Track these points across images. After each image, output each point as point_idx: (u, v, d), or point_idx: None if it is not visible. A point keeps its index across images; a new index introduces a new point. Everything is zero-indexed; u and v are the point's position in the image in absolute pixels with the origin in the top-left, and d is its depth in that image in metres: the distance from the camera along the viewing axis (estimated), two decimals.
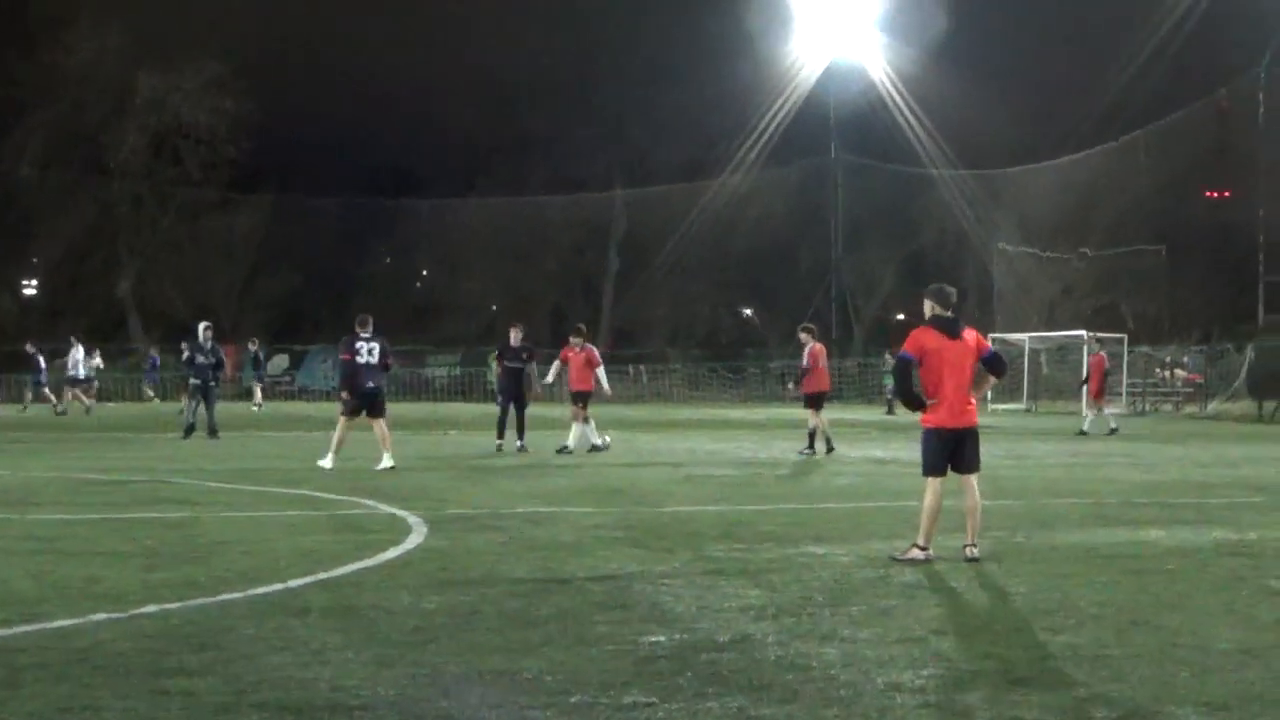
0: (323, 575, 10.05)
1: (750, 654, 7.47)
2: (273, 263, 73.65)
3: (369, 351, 20.73)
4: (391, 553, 11.24)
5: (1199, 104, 61.77)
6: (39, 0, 65.14)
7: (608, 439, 25.63)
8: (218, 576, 9.95)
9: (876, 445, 27.83)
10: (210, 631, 7.94)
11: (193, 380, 29.44)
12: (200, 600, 8.99)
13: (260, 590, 9.39)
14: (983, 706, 6.45)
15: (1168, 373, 54.13)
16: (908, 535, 12.48)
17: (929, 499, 11.12)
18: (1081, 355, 51.18)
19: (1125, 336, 54.77)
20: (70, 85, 65.11)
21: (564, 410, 27.93)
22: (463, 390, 60.62)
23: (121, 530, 12.76)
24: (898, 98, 67.43)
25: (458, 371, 64.10)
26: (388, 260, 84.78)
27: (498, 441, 25.01)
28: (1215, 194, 71.13)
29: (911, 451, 24.59)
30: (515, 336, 25.48)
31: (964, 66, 72.34)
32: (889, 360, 52.39)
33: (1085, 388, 35.91)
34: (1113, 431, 33.71)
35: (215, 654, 7.32)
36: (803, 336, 25.94)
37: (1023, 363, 55.15)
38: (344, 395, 21.12)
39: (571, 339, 26.10)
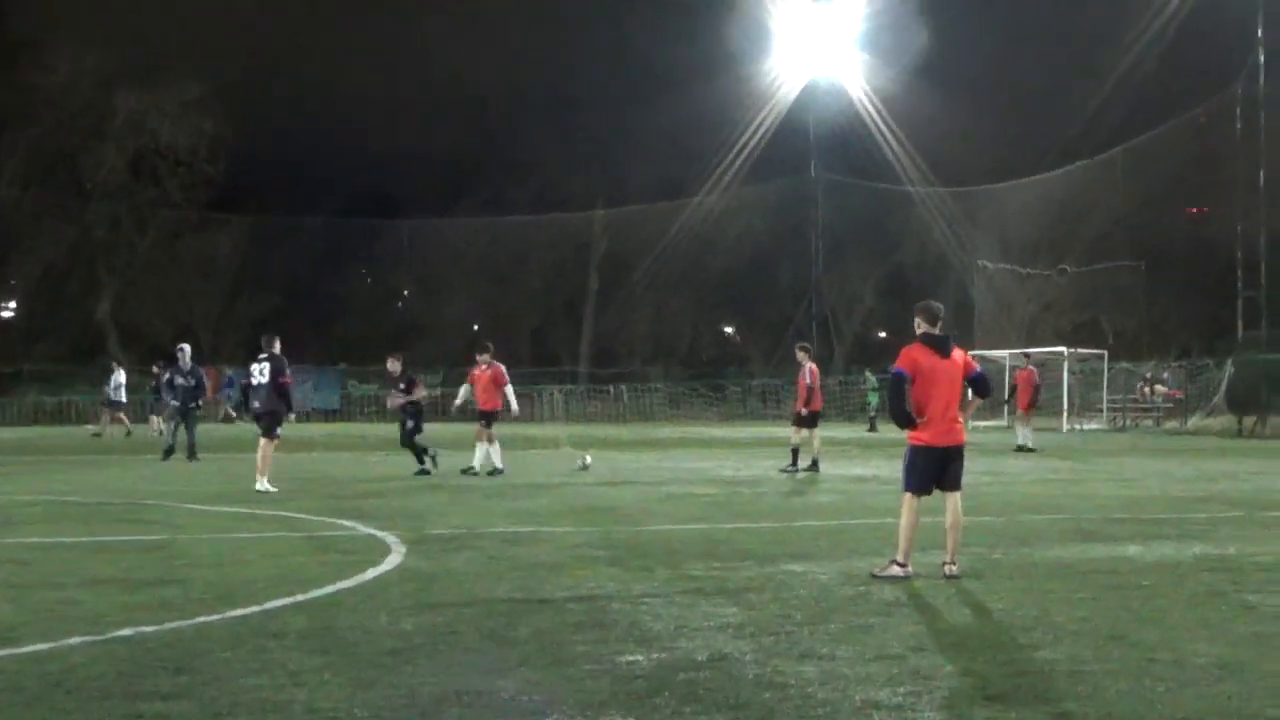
0: (300, 597, 10.01)
1: (728, 673, 7.45)
2: (252, 284, 73.58)
3: (261, 372, 20.89)
4: (370, 573, 11.20)
5: (1177, 121, 62.05)
6: (16, 21, 65.05)
7: (588, 459, 25.61)
8: (195, 599, 9.90)
9: (857, 463, 27.83)
10: (186, 654, 7.90)
11: (173, 402, 29.38)
12: (176, 623, 8.94)
13: (237, 612, 9.35)
14: None
15: (1148, 388, 54.27)
16: (888, 552, 12.48)
17: (907, 516, 11.12)
18: (1062, 371, 51.37)
19: (1105, 353, 54.94)
20: (48, 106, 64.99)
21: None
22: (443, 411, 60.40)
23: (100, 553, 12.70)
24: (877, 116, 67.66)
25: (438, 392, 63.88)
26: (368, 281, 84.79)
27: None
28: (1198, 210, 71.42)
29: (893, 469, 24.66)
30: (394, 366, 25.04)
31: (943, 85, 72.76)
32: (870, 378, 52.57)
33: (1010, 403, 35.43)
34: (1023, 449, 33.03)
35: (190, 677, 7.28)
36: (800, 355, 25.87)
37: (1003, 380, 55.21)
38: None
39: (478, 357, 24.91)
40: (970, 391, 11.85)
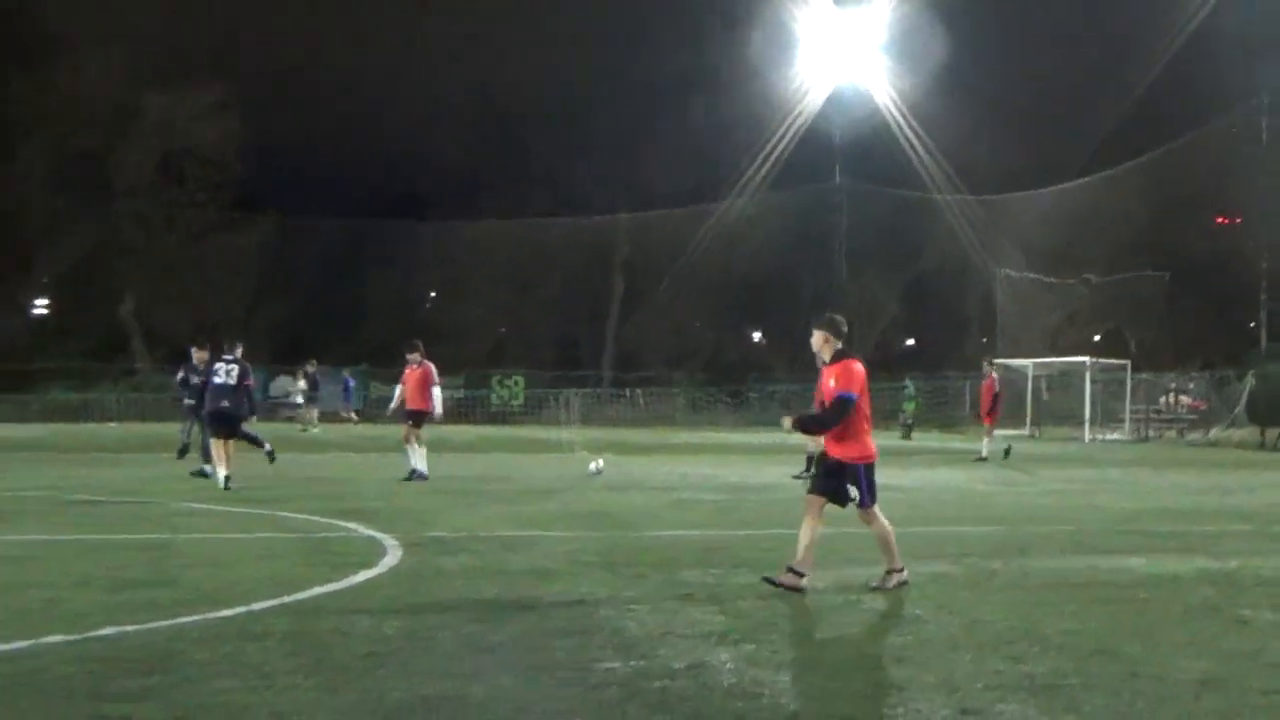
0: (287, 599, 9.96)
1: (703, 682, 7.37)
2: (277, 284, 73.74)
3: (226, 373, 21.43)
4: (360, 576, 11.16)
5: (1204, 130, 61.78)
6: (44, 21, 65.26)
7: (600, 464, 25.52)
8: (181, 599, 9.86)
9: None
10: (160, 655, 7.86)
11: (187, 401, 29.37)
12: (157, 623, 8.90)
13: (221, 613, 9.30)
14: None
15: (1172, 399, 54.04)
16: (885, 563, 12.44)
17: (884, 523, 11.10)
18: (1085, 382, 51.16)
19: (1128, 363, 54.69)
20: (75, 106, 65.26)
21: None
22: (465, 413, 60.51)
23: (92, 552, 12.69)
24: (902, 123, 67.51)
25: (461, 394, 64.02)
26: (393, 283, 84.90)
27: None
28: (1224, 220, 71.12)
29: (896, 477, 24.58)
30: (199, 358, 24.45)
31: (968, 92, 72.62)
32: (910, 386, 52.48)
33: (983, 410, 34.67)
34: (982, 459, 32.33)
35: (160, 678, 7.24)
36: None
37: (1025, 389, 55.08)
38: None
39: (408, 355, 24.11)
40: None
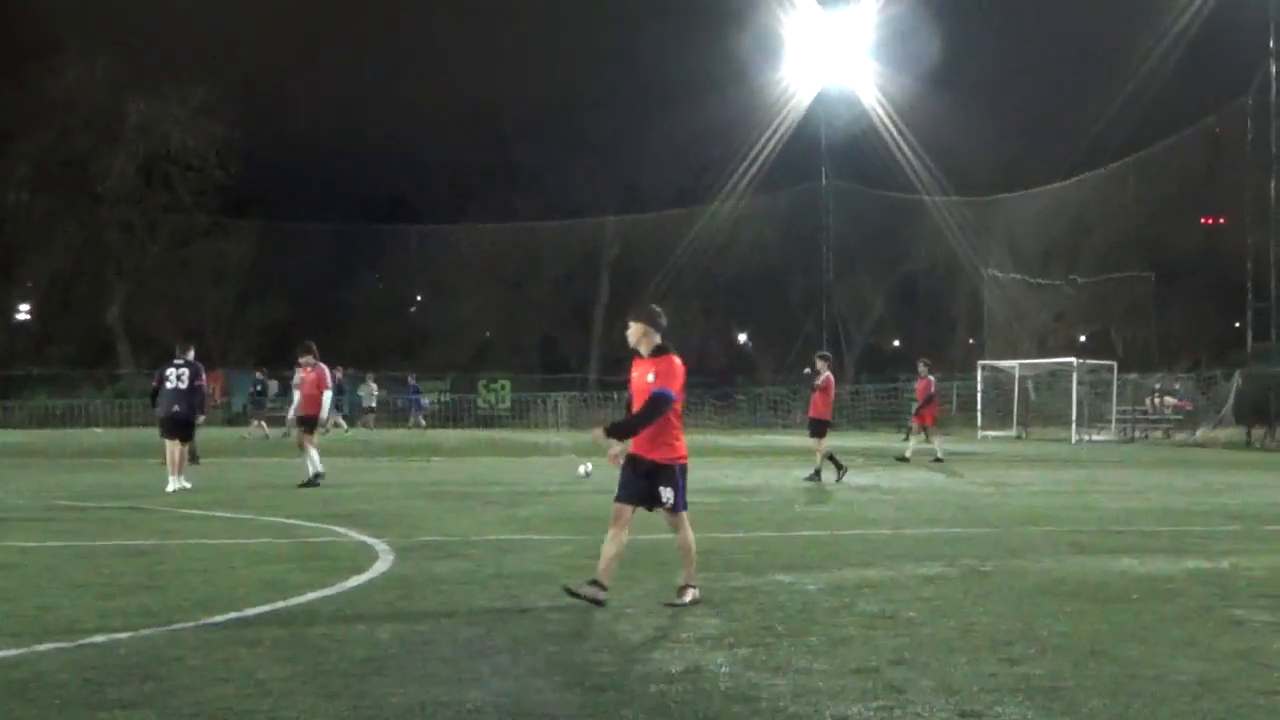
0: (280, 604, 9.93)
1: (700, 685, 7.36)
2: (262, 289, 73.64)
3: (178, 377, 21.62)
4: (353, 581, 11.13)
5: (1190, 130, 61.94)
6: (27, 26, 65.12)
7: (590, 467, 25.47)
8: (173, 605, 9.83)
9: (858, 473, 27.67)
10: (155, 662, 7.83)
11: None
12: (151, 630, 8.86)
13: (214, 619, 9.28)
14: None
15: (1158, 400, 54.15)
16: (879, 564, 12.45)
17: (691, 534, 10.58)
18: (1072, 383, 51.25)
19: (1115, 364, 54.80)
20: (59, 110, 65.12)
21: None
22: (453, 417, 60.43)
23: (84, 558, 12.65)
24: (889, 124, 67.47)
25: (448, 398, 63.97)
26: (379, 286, 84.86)
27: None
28: (1212, 220, 71.32)
29: (894, 480, 24.58)
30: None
31: (955, 93, 72.87)
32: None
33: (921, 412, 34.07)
34: (904, 459, 31.56)
35: (156, 685, 7.21)
36: (820, 364, 25.86)
37: (1012, 390, 55.17)
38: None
39: (300, 359, 23.44)
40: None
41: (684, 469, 10.46)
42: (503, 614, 9.64)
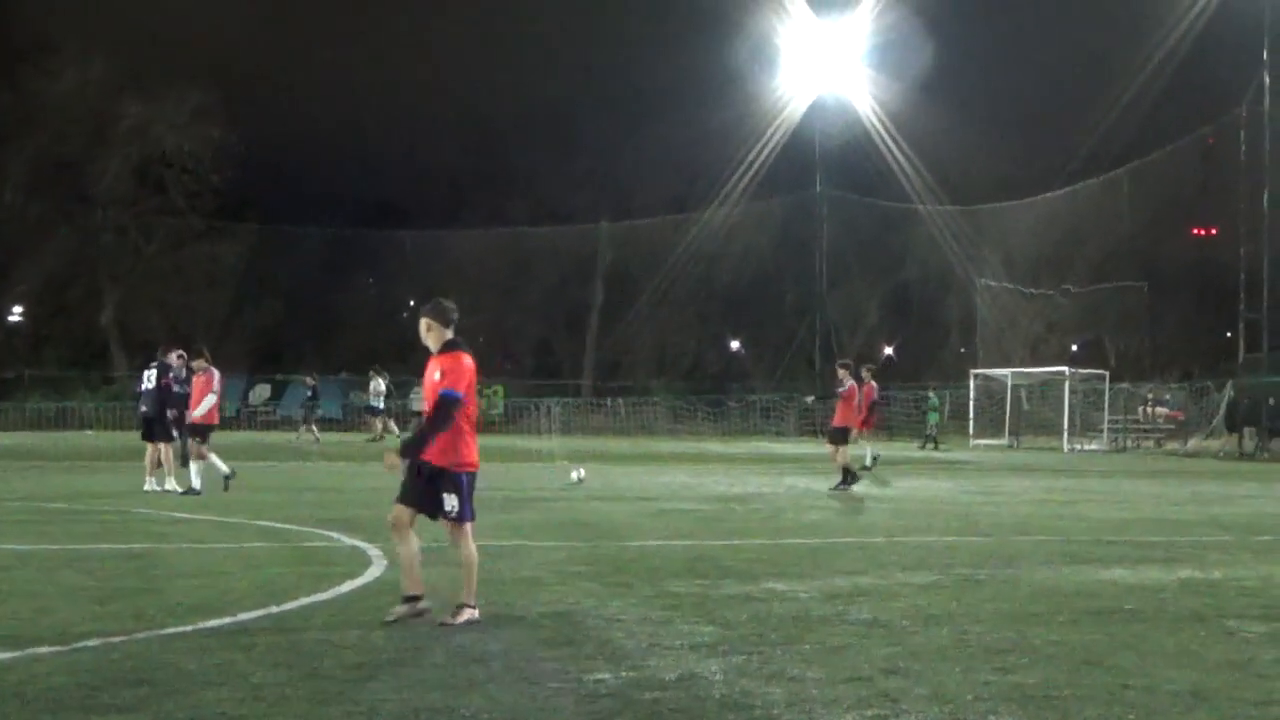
0: (274, 609, 9.94)
1: (694, 693, 7.37)
2: (256, 292, 73.62)
3: (147, 377, 22.12)
4: (347, 586, 11.14)
5: (1183, 141, 62.07)
6: (21, 28, 65.09)
7: (582, 473, 25.49)
8: (168, 610, 9.83)
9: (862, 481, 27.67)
10: (150, 666, 7.83)
11: (169, 410, 29.42)
12: (146, 634, 8.87)
13: (209, 624, 9.28)
14: None
15: (1149, 409, 54.24)
16: (872, 572, 12.47)
17: (474, 549, 9.77)
18: (1064, 392, 51.31)
19: (1107, 373, 54.86)
20: (53, 113, 65.05)
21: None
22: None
23: (79, 561, 12.64)
24: (884, 133, 67.58)
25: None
26: (372, 291, 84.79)
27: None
28: (1202, 231, 71.46)
29: (880, 488, 24.58)
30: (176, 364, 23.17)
31: (950, 102, 72.82)
32: (932, 398, 52.54)
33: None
34: (867, 469, 30.80)
35: (150, 689, 7.21)
36: (842, 373, 25.78)
37: (1005, 399, 55.22)
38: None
39: (192, 363, 22.36)
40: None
41: (472, 477, 9.75)
42: (496, 620, 9.64)
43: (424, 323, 9.97)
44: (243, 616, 9.59)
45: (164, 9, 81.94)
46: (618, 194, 77.67)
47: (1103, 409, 53.05)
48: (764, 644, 8.88)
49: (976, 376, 56.82)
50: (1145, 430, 53.49)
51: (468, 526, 9.71)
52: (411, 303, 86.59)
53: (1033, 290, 66.36)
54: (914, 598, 10.92)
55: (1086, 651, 8.75)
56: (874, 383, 26.35)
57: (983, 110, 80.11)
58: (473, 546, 9.75)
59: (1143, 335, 66.69)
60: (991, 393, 56.58)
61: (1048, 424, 53.85)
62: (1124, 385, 54.79)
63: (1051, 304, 67.22)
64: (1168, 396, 54.79)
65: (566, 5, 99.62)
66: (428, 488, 9.64)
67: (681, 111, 75.35)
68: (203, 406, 21.53)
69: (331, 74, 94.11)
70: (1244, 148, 51.62)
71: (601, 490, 23.76)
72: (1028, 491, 25.79)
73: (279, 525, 16.27)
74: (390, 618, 9.43)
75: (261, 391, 67.23)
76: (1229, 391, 47.22)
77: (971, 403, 55.62)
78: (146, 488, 21.42)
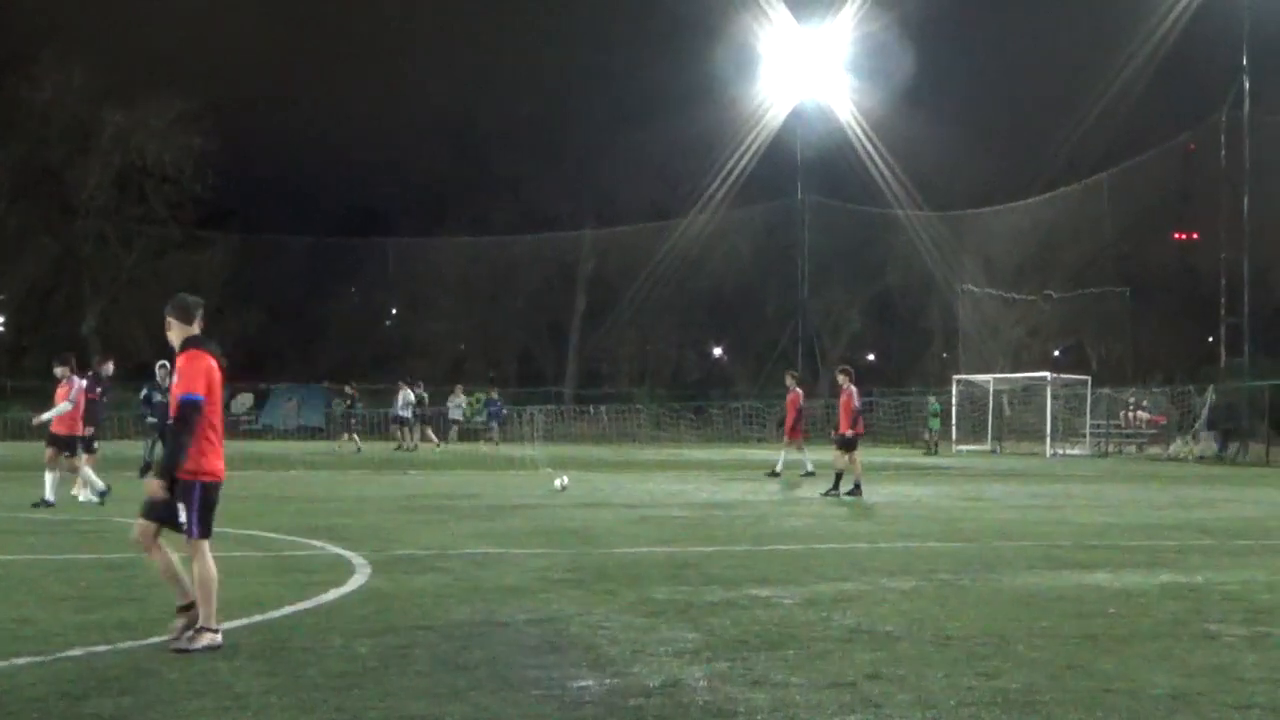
0: (258, 618, 9.93)
1: (678, 699, 7.38)
2: (238, 301, 73.45)
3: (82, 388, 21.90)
4: (330, 594, 11.12)
5: (1164, 147, 62.32)
6: (2, 36, 64.90)
7: (565, 480, 25.48)
8: (151, 619, 9.81)
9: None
10: (133, 675, 7.82)
11: (150, 419, 29.53)
12: (128, 643, 8.86)
13: None
14: None
15: (1131, 414, 54.39)
16: (855, 578, 12.49)
17: (211, 567, 8.93)
18: (1046, 397, 51.42)
19: (1089, 378, 55.00)
20: (34, 122, 64.82)
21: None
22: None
23: (60, 571, 12.62)
24: (865, 140, 67.69)
25: (422, 411, 63.74)
26: (355, 299, 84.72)
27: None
28: (1184, 236, 71.76)
29: (869, 495, 24.56)
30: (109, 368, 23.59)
31: (931, 109, 73.08)
32: (932, 403, 52.64)
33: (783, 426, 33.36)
34: (809, 474, 30.47)
35: (134, 698, 7.21)
36: (842, 378, 25.75)
37: (987, 404, 55.32)
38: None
39: (56, 370, 22.10)
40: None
41: (210, 488, 8.99)
42: (480, 627, 9.64)
43: (168, 320, 9.31)
44: (226, 625, 9.54)
45: (145, 19, 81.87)
46: (600, 201, 77.72)
47: (1085, 414, 53.18)
48: (747, 650, 8.89)
49: (959, 382, 56.91)
50: (1128, 435, 53.64)
51: (202, 544, 8.91)
52: (394, 311, 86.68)
53: (1014, 296, 66.51)
54: (897, 603, 10.95)
55: (1069, 656, 8.78)
56: (853, 387, 26.19)
57: (964, 116, 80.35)
58: (210, 564, 8.88)
59: (1125, 340, 66.87)
60: (974, 398, 56.70)
61: (1030, 429, 53.96)
62: (1106, 390, 54.92)
63: (1033, 309, 67.42)
64: (1145, 402, 54.95)
65: (548, 12, 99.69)
66: (170, 498, 8.92)
67: (663, 118, 75.28)
68: (50, 413, 21.48)
69: (313, 82, 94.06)
70: (1224, 153, 51.86)
71: (585, 497, 23.76)
72: (1010, 497, 25.84)
73: (262, 534, 16.24)
74: (172, 637, 8.73)
75: (244, 401, 67.04)
76: (1210, 396, 47.38)
77: (954, 408, 55.72)
78: (81, 499, 21.31)
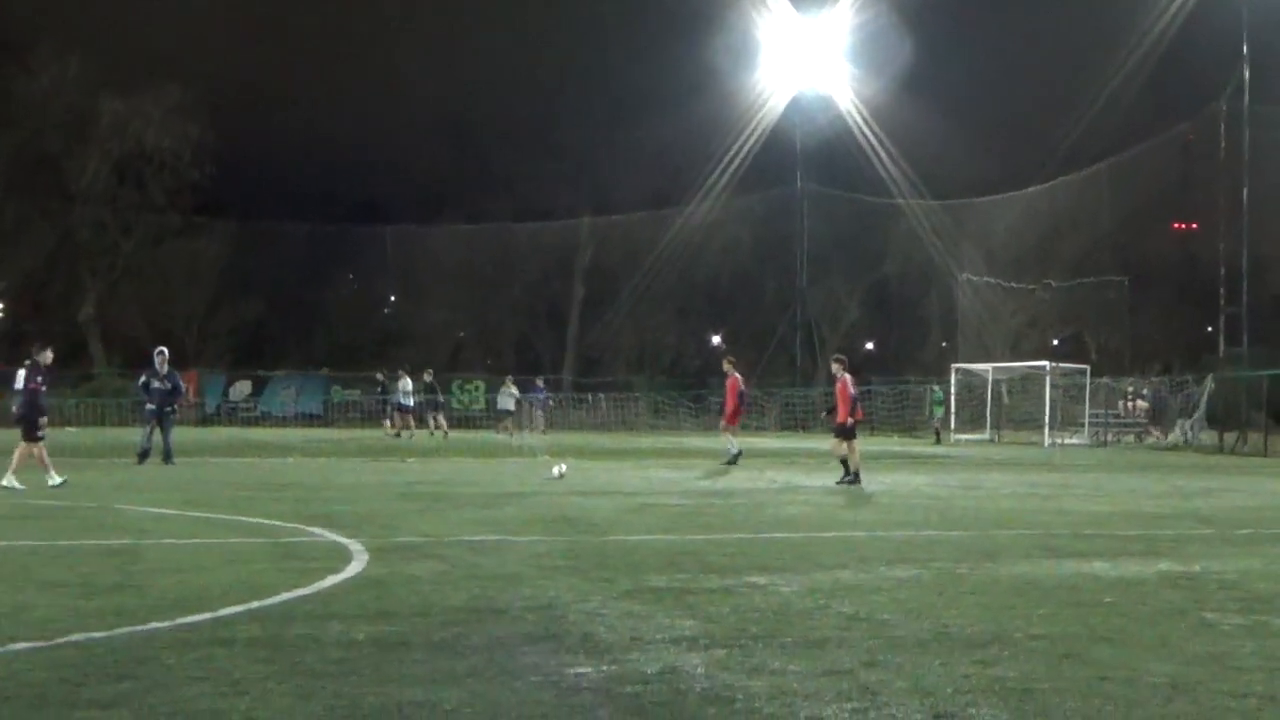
0: (255, 604, 9.91)
1: (675, 686, 7.38)
2: (236, 289, 73.51)
3: (20, 377, 22.11)
4: (328, 581, 11.11)
5: (1163, 137, 62.31)
6: (0, 25, 64.84)
7: (563, 468, 25.51)
8: (149, 605, 9.81)
9: (828, 475, 27.65)
10: (131, 661, 7.81)
11: (148, 406, 29.57)
12: (127, 629, 8.85)
13: (190, 619, 9.25)
14: None
15: (1130, 404, 54.41)
16: (853, 566, 12.49)
17: None
18: (1044, 387, 51.45)
19: (1088, 368, 55.02)
20: (32, 110, 64.82)
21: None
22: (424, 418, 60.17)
23: (60, 557, 12.62)
24: (864, 128, 67.72)
25: (420, 398, 63.74)
26: (353, 287, 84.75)
27: None
28: (1183, 226, 71.77)
29: (868, 483, 24.57)
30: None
31: (931, 98, 73.18)
32: (937, 391, 52.71)
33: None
34: (734, 460, 30.70)
35: (132, 684, 7.20)
36: (836, 367, 25.79)
37: (985, 393, 55.35)
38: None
39: (29, 359, 22.30)
40: None
41: None
42: (477, 615, 9.64)
43: None
44: (224, 612, 9.57)
45: (143, 7, 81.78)
46: (598, 190, 77.74)
47: (1083, 403, 53.21)
48: (745, 638, 8.89)
49: (957, 371, 56.95)
50: (1126, 425, 53.67)
51: None
52: (392, 298, 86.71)
53: (1014, 285, 66.52)
54: (895, 591, 10.94)
55: (1066, 644, 8.78)
56: (848, 375, 26.17)
57: (963, 105, 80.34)
58: None
59: (1123, 330, 66.88)
60: (972, 387, 56.74)
61: (1028, 418, 54.01)
62: (1104, 380, 54.95)
63: (1032, 299, 67.43)
64: (1145, 391, 54.96)
65: (548, 1, 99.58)
66: None
67: (662, 107, 75.39)
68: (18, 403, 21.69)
69: (311, 70, 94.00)
70: (1224, 143, 51.84)
71: (583, 485, 23.77)
72: (1008, 485, 25.86)
73: (260, 521, 16.25)
74: None
75: (242, 388, 67.07)
76: (1209, 385, 47.38)
77: (953, 397, 55.75)
78: (5, 483, 21.26)
